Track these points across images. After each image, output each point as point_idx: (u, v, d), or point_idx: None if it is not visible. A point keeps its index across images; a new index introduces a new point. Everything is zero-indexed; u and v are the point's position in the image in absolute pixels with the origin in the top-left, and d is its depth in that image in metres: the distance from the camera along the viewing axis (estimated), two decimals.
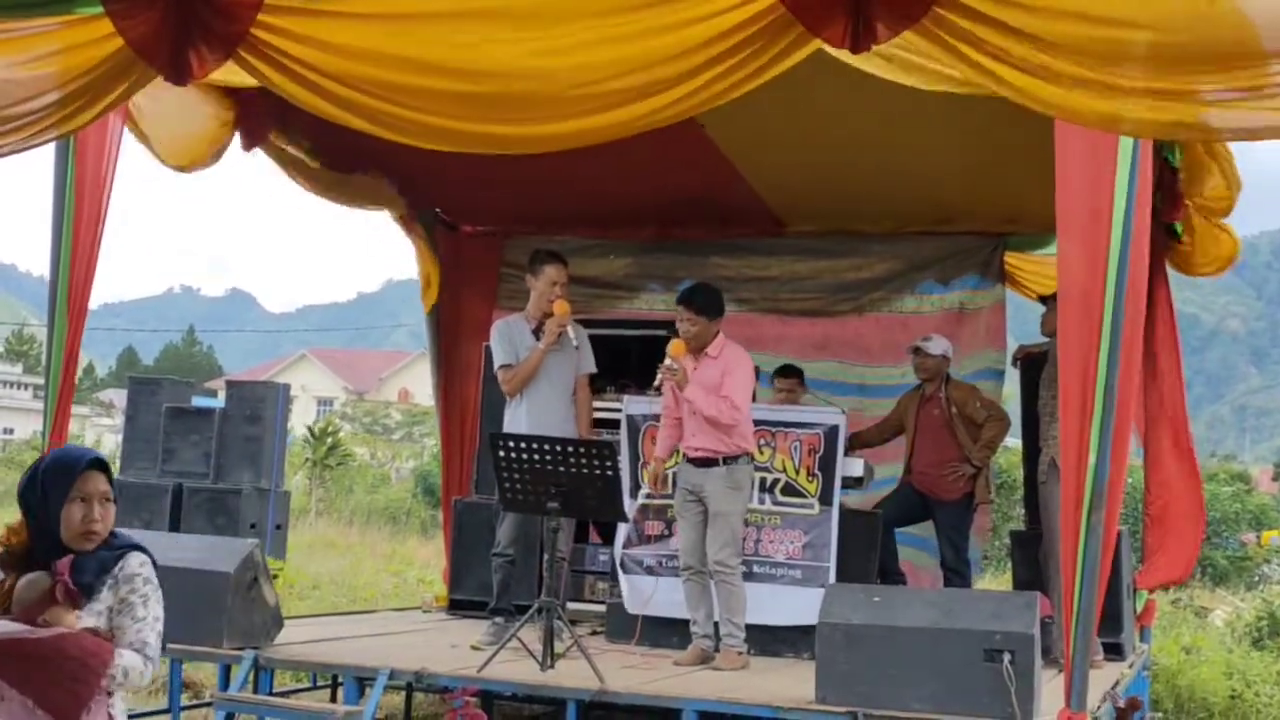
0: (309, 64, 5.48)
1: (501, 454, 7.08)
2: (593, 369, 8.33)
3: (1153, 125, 4.79)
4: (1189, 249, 8.67)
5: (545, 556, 7.48)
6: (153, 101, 7.12)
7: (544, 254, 8.31)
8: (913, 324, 10.39)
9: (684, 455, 7.61)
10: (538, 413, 8.04)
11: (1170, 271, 8.96)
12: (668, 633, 7.94)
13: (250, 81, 5.87)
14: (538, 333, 8.09)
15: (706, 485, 7.45)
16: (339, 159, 9.28)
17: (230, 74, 5.88)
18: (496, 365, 8.22)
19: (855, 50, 4.82)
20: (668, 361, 7.47)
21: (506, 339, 8.18)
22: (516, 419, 8.10)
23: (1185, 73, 4.48)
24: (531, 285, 8.25)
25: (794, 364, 9.91)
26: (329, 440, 32.23)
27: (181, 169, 7.75)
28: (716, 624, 7.53)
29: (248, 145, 8.22)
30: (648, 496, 8.25)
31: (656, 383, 7.57)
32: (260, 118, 8.06)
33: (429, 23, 5.47)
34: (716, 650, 7.48)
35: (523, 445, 7.05)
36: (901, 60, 5.07)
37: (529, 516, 7.84)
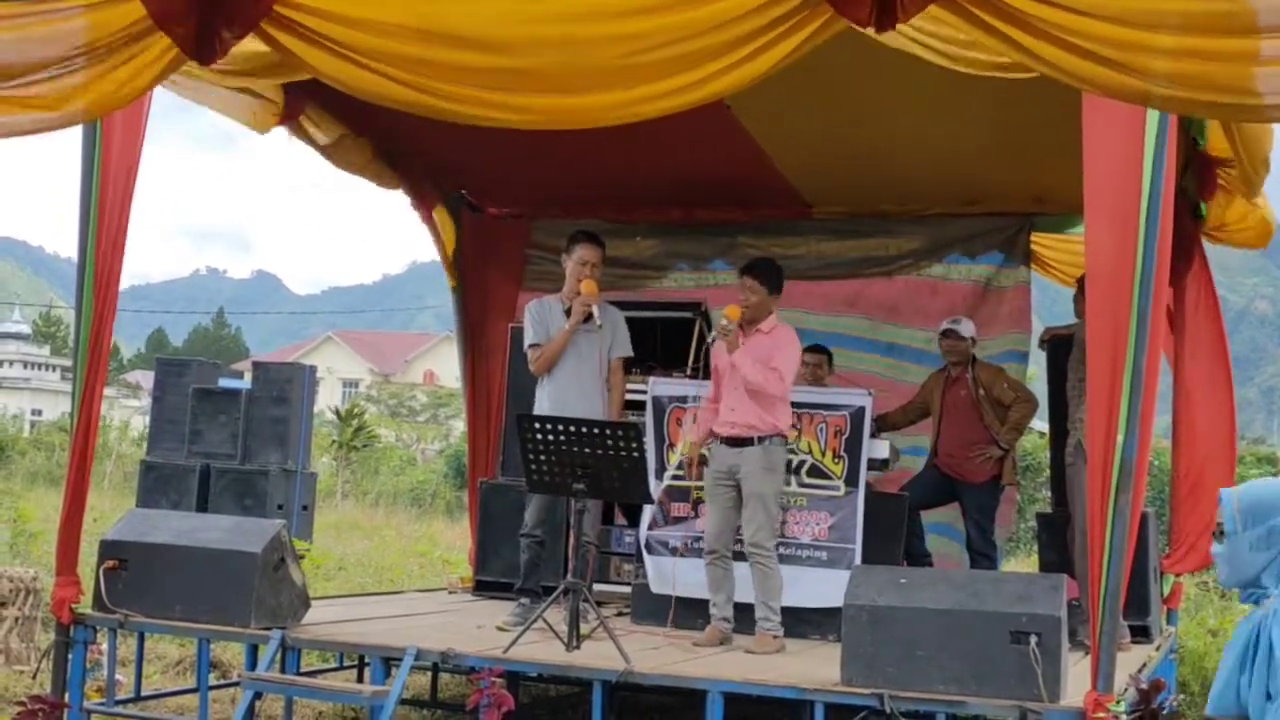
0: (335, 39, 5.49)
1: (527, 435, 7.08)
2: (627, 352, 8.28)
3: (1183, 101, 4.77)
4: (1223, 222, 8.60)
5: (571, 538, 7.51)
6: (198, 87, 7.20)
7: (578, 234, 8.31)
8: (941, 289, 10.39)
9: (717, 437, 7.60)
10: (560, 393, 8.03)
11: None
12: (692, 614, 7.94)
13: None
14: (569, 313, 8.09)
15: (742, 466, 7.44)
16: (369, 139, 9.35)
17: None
18: (526, 345, 8.23)
19: (880, 29, 4.81)
20: (723, 322, 7.46)
21: (538, 318, 8.18)
22: (541, 399, 8.12)
23: (1217, 44, 4.47)
24: (565, 265, 8.25)
25: (823, 345, 9.88)
26: (355, 422, 32.32)
27: None
28: (737, 606, 7.54)
29: (282, 122, 8.29)
30: (673, 478, 8.25)
31: (710, 340, 7.52)
32: (297, 98, 8.10)
33: None
34: (735, 633, 7.48)
35: (548, 426, 7.05)
36: (933, 41, 5.06)
37: (557, 498, 7.86)
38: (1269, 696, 3.80)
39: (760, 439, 7.45)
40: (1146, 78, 4.62)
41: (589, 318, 7.96)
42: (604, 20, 5.25)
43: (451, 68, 5.50)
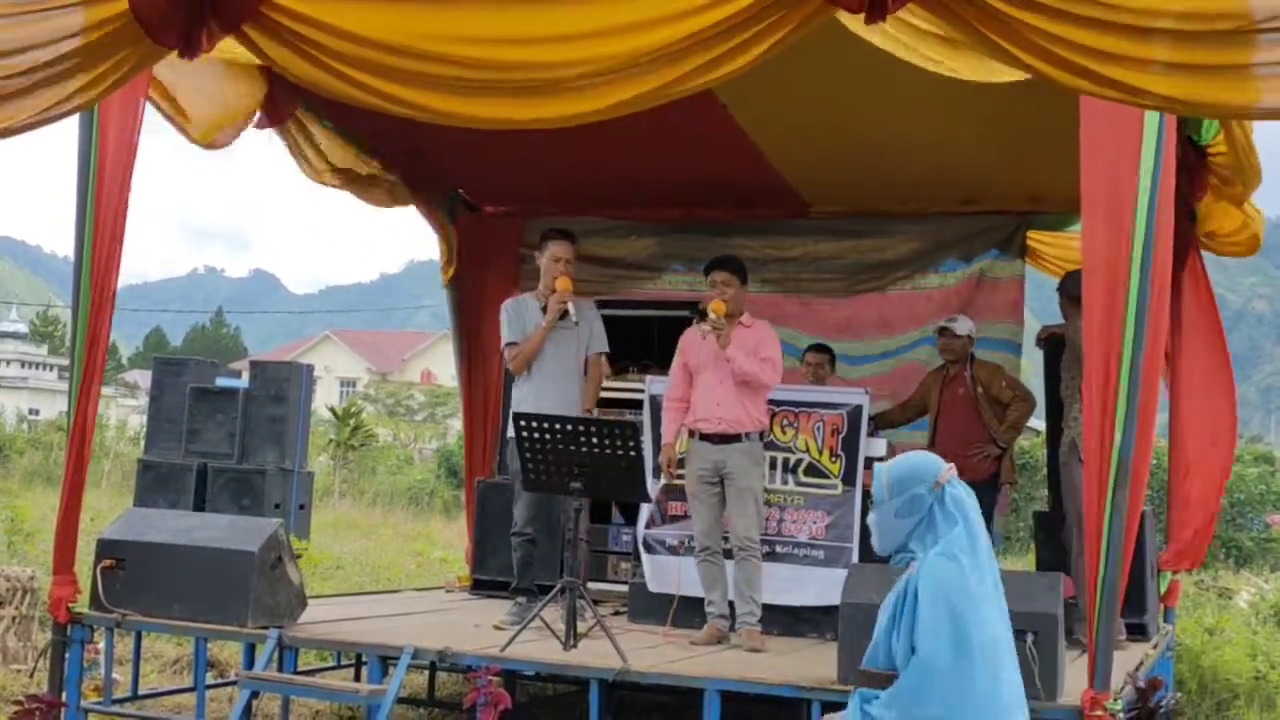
0: (317, 44, 5.49)
1: (524, 434, 7.08)
2: (603, 348, 8.30)
3: (1177, 103, 4.76)
4: (1215, 228, 8.62)
5: (566, 536, 7.51)
6: (185, 76, 7.15)
7: (550, 231, 8.32)
8: (936, 297, 10.38)
9: (697, 435, 7.59)
10: (542, 391, 8.03)
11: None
12: (689, 613, 7.94)
13: None
14: (546, 310, 8.09)
15: (729, 462, 7.45)
16: (362, 138, 9.35)
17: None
18: (503, 343, 8.23)
19: (870, 20, 4.80)
20: (712, 317, 7.47)
21: (515, 317, 8.18)
22: (522, 397, 8.10)
23: (1209, 49, 4.46)
24: (539, 262, 8.25)
25: (825, 343, 9.90)
26: (352, 421, 32.30)
27: (209, 145, 7.82)
28: (732, 603, 7.54)
29: (269, 123, 8.26)
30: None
31: (703, 332, 7.54)
32: (287, 95, 8.09)
33: (434, 9, 5.47)
34: (732, 630, 7.49)
35: (545, 425, 7.05)
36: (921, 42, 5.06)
37: (546, 496, 7.84)
38: (913, 650, 4.15)
39: (746, 435, 7.47)
40: (1136, 93, 4.61)
41: (565, 314, 7.96)
42: (587, 41, 5.24)
43: (428, 79, 5.50)
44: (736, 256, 8.03)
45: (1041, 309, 11.13)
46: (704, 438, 7.56)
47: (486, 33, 5.32)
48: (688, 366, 7.69)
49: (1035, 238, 10.32)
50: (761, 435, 7.67)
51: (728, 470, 7.46)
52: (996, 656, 4.17)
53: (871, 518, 4.46)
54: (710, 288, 7.69)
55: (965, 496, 4.33)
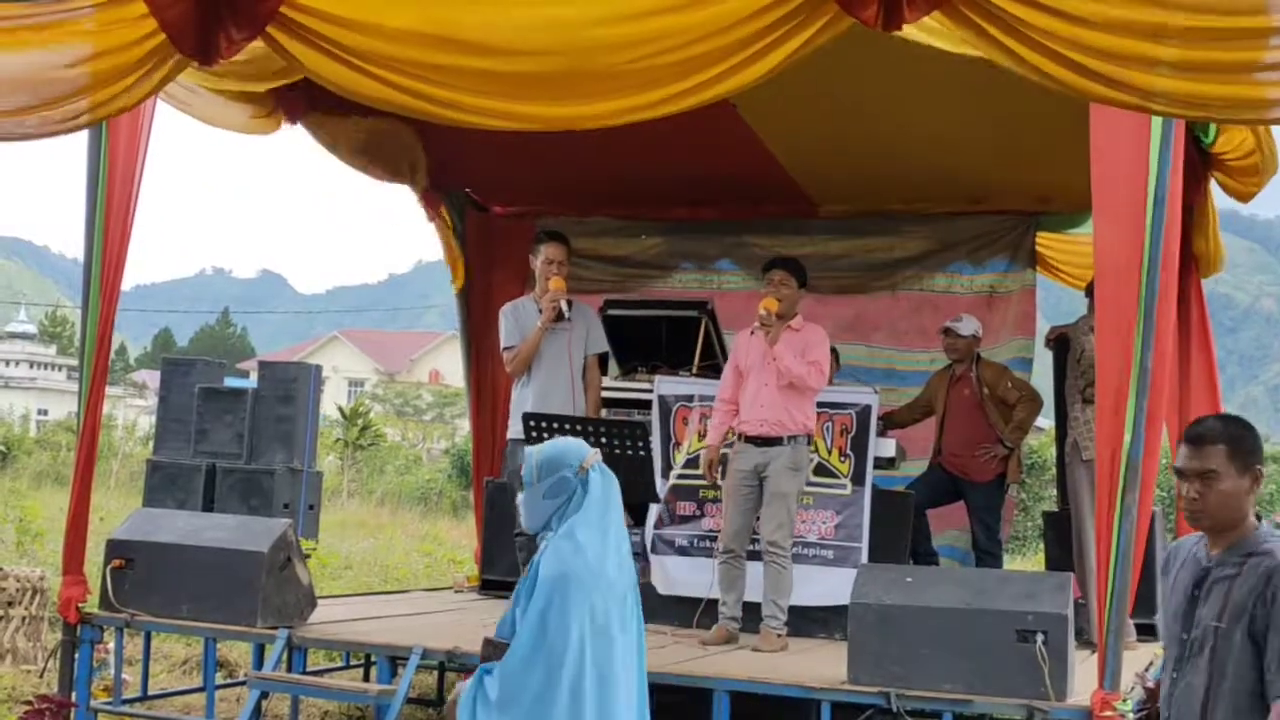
0: (339, 43, 5.48)
1: (533, 435, 7.08)
2: (602, 349, 8.30)
3: (1179, 114, 4.76)
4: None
5: None
6: (192, 97, 7.16)
7: (543, 233, 8.35)
8: (943, 304, 10.33)
9: (741, 436, 7.56)
10: (541, 392, 8.03)
11: None
12: (693, 611, 7.93)
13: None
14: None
15: (769, 465, 7.41)
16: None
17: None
18: (502, 346, 8.23)
19: (886, 29, 4.81)
20: (762, 314, 7.44)
21: (513, 320, 8.19)
22: (523, 399, 8.10)
23: (1220, 51, 4.45)
24: (534, 266, 8.25)
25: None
26: (361, 421, 32.34)
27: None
28: (746, 605, 7.52)
29: (291, 121, 8.29)
30: (679, 477, 8.25)
31: (752, 329, 7.54)
32: (297, 101, 8.10)
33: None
34: (742, 632, 7.47)
35: (554, 426, 7.05)
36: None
37: None
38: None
39: (789, 438, 7.43)
40: (1144, 94, 4.61)
41: (560, 315, 7.96)
42: (612, 24, 5.24)
43: (458, 73, 5.49)
44: (797, 259, 7.97)
45: (1052, 310, 11.10)
46: (748, 440, 7.53)
47: (511, 18, 5.33)
48: (739, 368, 7.65)
49: (1044, 242, 10.29)
50: (810, 439, 7.61)
51: (767, 473, 7.42)
52: (600, 643, 4.46)
53: (520, 497, 4.77)
54: (766, 285, 7.64)
55: (607, 482, 4.67)
